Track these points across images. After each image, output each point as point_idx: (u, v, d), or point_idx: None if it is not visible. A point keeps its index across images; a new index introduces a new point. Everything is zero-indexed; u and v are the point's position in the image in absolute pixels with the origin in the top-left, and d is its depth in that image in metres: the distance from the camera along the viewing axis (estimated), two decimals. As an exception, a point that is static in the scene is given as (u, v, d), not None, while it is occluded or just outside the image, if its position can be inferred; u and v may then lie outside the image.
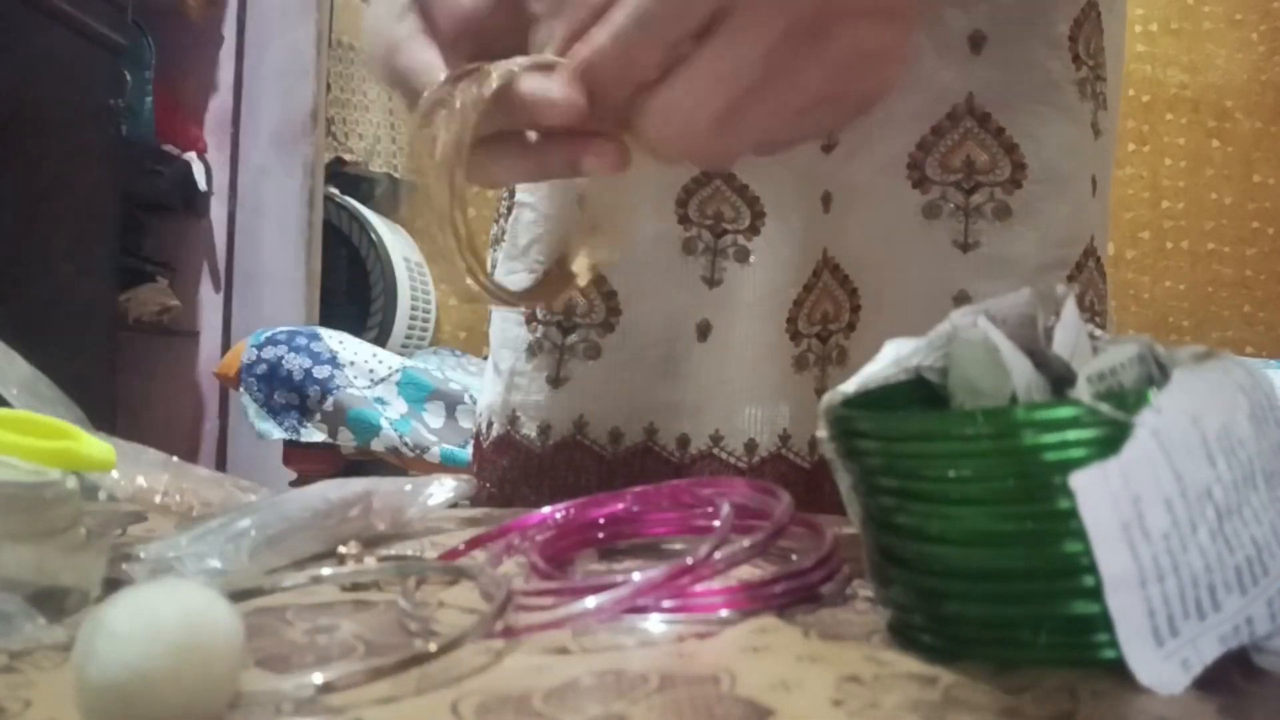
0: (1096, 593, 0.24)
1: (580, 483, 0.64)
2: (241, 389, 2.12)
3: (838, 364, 0.62)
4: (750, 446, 0.63)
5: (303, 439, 2.09)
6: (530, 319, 0.66)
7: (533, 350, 0.65)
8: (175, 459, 0.49)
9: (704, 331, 0.64)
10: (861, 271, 0.62)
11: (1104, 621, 0.24)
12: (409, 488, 0.46)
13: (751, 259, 0.63)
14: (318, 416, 2.09)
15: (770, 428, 0.63)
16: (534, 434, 0.65)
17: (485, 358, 0.73)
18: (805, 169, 0.62)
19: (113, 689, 0.21)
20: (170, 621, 0.21)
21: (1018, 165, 0.59)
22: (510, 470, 0.66)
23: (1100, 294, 0.62)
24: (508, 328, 0.67)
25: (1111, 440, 0.24)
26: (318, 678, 0.24)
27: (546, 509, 0.42)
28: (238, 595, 0.32)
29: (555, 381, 0.65)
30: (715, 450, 0.64)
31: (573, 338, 0.65)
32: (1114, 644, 0.24)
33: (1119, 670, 0.24)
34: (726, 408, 0.64)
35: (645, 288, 0.64)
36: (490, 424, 0.69)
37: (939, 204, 0.59)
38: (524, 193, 0.67)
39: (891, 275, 0.61)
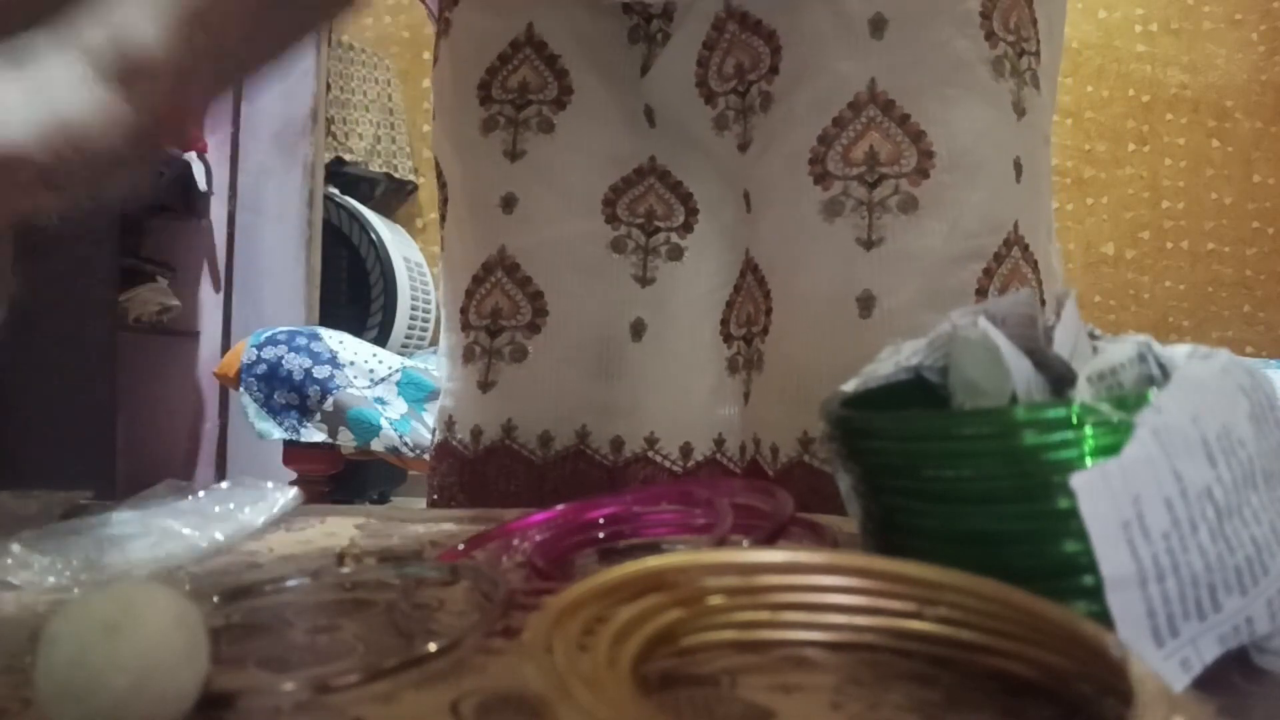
0: (1096, 592, 0.24)
1: (510, 488, 0.62)
2: (241, 389, 2.12)
3: (758, 369, 0.60)
4: (686, 450, 0.62)
5: (303, 439, 2.09)
6: (465, 325, 0.64)
7: (466, 355, 0.64)
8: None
9: (638, 331, 0.62)
10: (773, 273, 0.59)
11: (1104, 621, 0.24)
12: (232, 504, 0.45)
13: (685, 257, 0.62)
14: (318, 416, 2.08)
15: (706, 431, 0.62)
16: (467, 439, 0.64)
17: None
18: (727, 167, 0.61)
19: (59, 689, 0.21)
20: (99, 609, 0.22)
21: (924, 154, 0.55)
22: (447, 476, 0.65)
23: (1029, 284, 0.58)
24: (448, 335, 0.66)
25: (1111, 440, 0.24)
26: (318, 678, 0.24)
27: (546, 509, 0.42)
28: (238, 594, 0.32)
29: (484, 385, 0.63)
30: (650, 453, 0.62)
31: (500, 340, 0.63)
32: (1114, 644, 0.24)
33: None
34: (662, 409, 0.62)
35: (573, 287, 0.62)
36: (434, 431, 0.68)
37: (840, 200, 0.56)
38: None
39: (796, 277, 0.58)
